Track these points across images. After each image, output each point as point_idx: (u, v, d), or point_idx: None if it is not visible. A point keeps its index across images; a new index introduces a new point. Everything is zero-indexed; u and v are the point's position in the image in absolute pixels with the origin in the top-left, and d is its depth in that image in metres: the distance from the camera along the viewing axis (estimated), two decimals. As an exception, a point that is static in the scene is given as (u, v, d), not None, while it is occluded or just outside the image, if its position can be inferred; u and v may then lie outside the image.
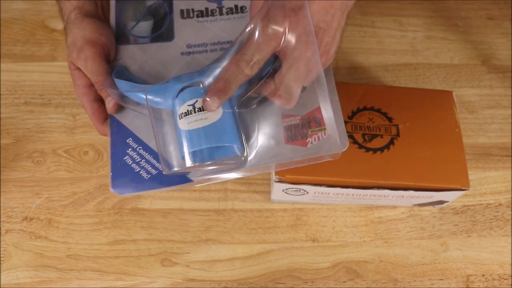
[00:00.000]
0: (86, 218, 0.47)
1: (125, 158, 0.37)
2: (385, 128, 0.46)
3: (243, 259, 0.46)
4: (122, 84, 0.36)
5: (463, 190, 0.44)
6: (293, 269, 0.46)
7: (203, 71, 0.35)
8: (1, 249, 0.45)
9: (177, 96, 0.35)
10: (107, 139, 0.51)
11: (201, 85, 0.35)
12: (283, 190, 0.45)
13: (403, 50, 0.59)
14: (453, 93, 0.48)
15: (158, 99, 0.35)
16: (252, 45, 0.33)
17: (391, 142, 0.45)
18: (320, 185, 0.43)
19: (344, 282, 0.46)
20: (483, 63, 0.59)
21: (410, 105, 0.47)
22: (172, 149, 0.36)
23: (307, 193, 0.45)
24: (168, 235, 0.47)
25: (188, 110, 0.34)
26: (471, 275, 0.47)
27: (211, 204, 0.48)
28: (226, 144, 0.35)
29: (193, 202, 0.48)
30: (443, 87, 0.57)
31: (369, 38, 0.60)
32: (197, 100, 0.34)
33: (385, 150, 0.44)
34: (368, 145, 0.45)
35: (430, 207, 0.50)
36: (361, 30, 0.61)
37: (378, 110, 0.47)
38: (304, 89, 0.37)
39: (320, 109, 0.37)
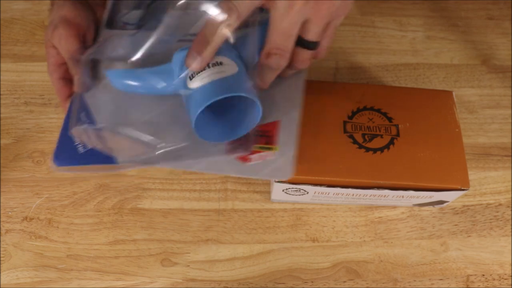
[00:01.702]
0: (86, 218, 0.47)
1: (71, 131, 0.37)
2: (385, 128, 0.46)
3: (243, 259, 0.46)
4: (117, 73, 0.36)
5: (463, 190, 0.44)
6: (293, 269, 0.46)
7: None
8: (1, 249, 0.45)
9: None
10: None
11: None
12: (283, 190, 0.45)
13: (403, 50, 0.59)
14: (453, 93, 0.48)
15: (160, 81, 0.35)
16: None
17: (391, 142, 0.45)
18: (320, 185, 0.43)
19: (344, 282, 0.46)
20: (483, 63, 0.59)
21: (410, 105, 0.47)
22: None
23: (307, 193, 0.45)
24: (168, 235, 0.47)
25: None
26: (471, 275, 0.47)
27: (211, 204, 0.49)
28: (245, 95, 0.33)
29: (193, 202, 0.49)
30: (443, 87, 0.57)
31: (369, 38, 0.60)
32: None
33: (385, 150, 0.44)
34: (368, 145, 0.45)
35: (430, 207, 0.50)
36: (361, 30, 0.61)
37: (378, 110, 0.47)
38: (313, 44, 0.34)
39: (278, 124, 0.33)
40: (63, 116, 0.52)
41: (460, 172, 0.44)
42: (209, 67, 0.33)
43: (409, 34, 0.61)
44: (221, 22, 0.32)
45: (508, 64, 0.59)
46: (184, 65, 0.34)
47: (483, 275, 0.47)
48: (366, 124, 0.46)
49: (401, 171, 0.44)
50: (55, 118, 0.52)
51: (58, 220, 0.47)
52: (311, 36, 0.35)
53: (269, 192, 0.49)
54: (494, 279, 0.47)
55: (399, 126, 0.46)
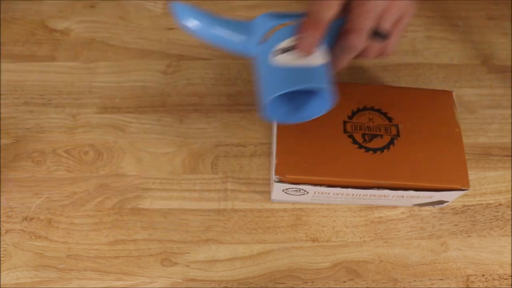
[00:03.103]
0: (86, 218, 0.47)
1: None
2: (385, 128, 0.46)
3: (243, 259, 0.46)
4: (187, 9, 0.34)
5: (463, 190, 0.44)
6: (293, 269, 0.46)
7: (297, 14, 0.33)
8: (1, 249, 0.45)
9: (272, 33, 0.33)
10: (107, 138, 0.51)
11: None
12: (283, 190, 0.45)
13: (403, 50, 0.59)
14: (453, 93, 0.48)
15: (237, 34, 0.33)
16: None
17: (391, 142, 0.45)
18: (320, 185, 0.43)
19: (344, 282, 0.46)
20: (483, 63, 0.59)
21: (410, 105, 0.47)
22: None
23: (307, 193, 0.45)
24: (168, 235, 0.47)
25: (291, 46, 0.32)
26: (471, 275, 0.47)
27: (211, 204, 0.49)
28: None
29: (193, 202, 0.49)
30: (443, 87, 0.57)
31: (369, 38, 0.60)
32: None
33: (385, 150, 0.44)
34: (368, 145, 0.45)
35: (430, 207, 0.50)
36: (361, 30, 0.61)
37: (378, 110, 0.47)
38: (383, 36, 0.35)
39: None
40: (63, 116, 0.52)
41: (460, 172, 0.44)
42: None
43: (409, 34, 0.61)
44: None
45: (508, 64, 0.59)
46: (273, 34, 0.33)
47: (483, 275, 0.47)
48: (366, 124, 0.46)
49: (401, 171, 0.44)
50: (55, 118, 0.52)
51: (58, 220, 0.47)
52: (384, 25, 0.36)
53: (269, 192, 0.49)
54: (494, 279, 0.47)
55: (399, 126, 0.46)
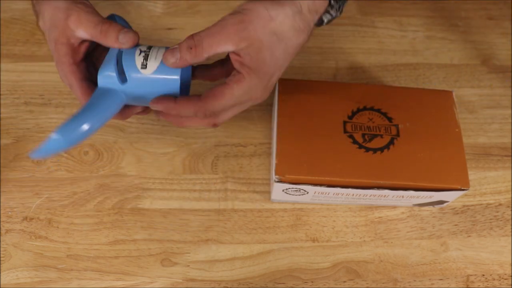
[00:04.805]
0: (86, 218, 0.47)
1: None
2: (385, 128, 0.46)
3: (243, 259, 0.46)
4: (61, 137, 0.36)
5: (463, 190, 0.44)
6: (293, 269, 0.46)
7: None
8: (1, 249, 0.45)
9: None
10: (107, 138, 0.51)
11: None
12: (283, 190, 0.45)
13: (403, 50, 0.59)
14: (453, 93, 0.48)
15: (114, 101, 0.39)
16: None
17: (391, 142, 0.45)
18: (320, 185, 0.43)
19: (344, 282, 0.46)
20: (483, 63, 0.59)
21: (410, 105, 0.47)
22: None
23: (307, 193, 0.45)
24: (168, 235, 0.47)
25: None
26: (471, 275, 0.47)
27: (211, 204, 0.48)
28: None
29: (193, 202, 0.48)
30: (443, 87, 0.57)
31: (369, 38, 0.60)
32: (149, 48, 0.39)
33: (385, 150, 0.44)
34: (368, 145, 0.45)
35: (430, 207, 0.50)
36: (361, 30, 0.61)
37: (378, 110, 0.47)
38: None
39: None
40: (63, 116, 0.52)
41: (460, 172, 0.44)
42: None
43: (409, 34, 0.61)
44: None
45: (508, 64, 0.59)
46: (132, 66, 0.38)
47: (483, 275, 0.47)
48: (366, 124, 0.46)
49: (401, 171, 0.44)
50: (55, 118, 0.52)
51: (58, 220, 0.47)
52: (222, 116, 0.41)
53: (269, 192, 0.49)
54: (494, 279, 0.47)
55: (399, 126, 0.46)
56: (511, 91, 0.57)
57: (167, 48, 0.38)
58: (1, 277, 0.44)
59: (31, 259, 0.45)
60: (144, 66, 0.38)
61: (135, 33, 0.37)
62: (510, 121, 0.55)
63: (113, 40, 0.36)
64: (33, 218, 0.47)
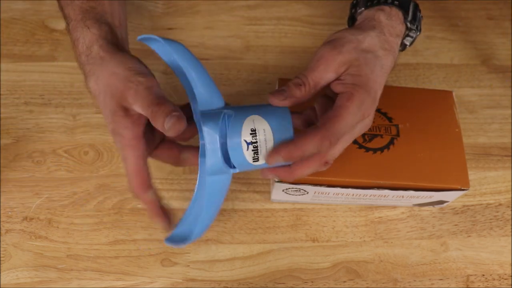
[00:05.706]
0: (86, 218, 0.47)
1: None
2: (385, 128, 0.46)
3: (243, 259, 0.46)
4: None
5: (463, 190, 0.44)
6: (293, 269, 0.46)
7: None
8: (1, 249, 0.45)
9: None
10: (107, 138, 0.51)
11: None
12: (283, 190, 0.45)
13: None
14: (453, 93, 0.49)
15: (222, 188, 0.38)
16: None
17: (391, 142, 0.45)
18: (320, 185, 0.43)
19: (344, 282, 0.46)
20: (483, 63, 0.59)
21: (410, 105, 0.47)
22: None
23: (307, 193, 0.45)
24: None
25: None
26: (471, 275, 0.47)
27: (211, 204, 0.48)
28: None
29: (193, 202, 0.48)
30: (443, 87, 0.57)
31: (369, 38, 0.60)
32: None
33: (385, 150, 0.44)
34: (368, 145, 0.45)
35: (430, 207, 0.50)
36: (361, 30, 0.61)
37: (378, 110, 0.47)
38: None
39: None
40: (63, 116, 0.52)
41: (460, 172, 0.44)
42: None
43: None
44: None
45: (508, 64, 0.59)
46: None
47: (483, 275, 0.47)
48: (366, 124, 0.46)
49: (401, 171, 0.44)
50: (55, 118, 0.52)
51: (58, 220, 0.47)
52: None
53: (269, 192, 0.49)
54: (494, 279, 0.47)
55: (399, 126, 0.46)
56: (511, 91, 0.57)
57: (272, 129, 0.36)
58: (1, 277, 0.44)
59: (31, 259, 0.45)
60: (256, 159, 0.36)
61: (180, 117, 0.33)
62: (510, 121, 0.55)
63: (161, 126, 0.33)
64: (33, 218, 0.47)
